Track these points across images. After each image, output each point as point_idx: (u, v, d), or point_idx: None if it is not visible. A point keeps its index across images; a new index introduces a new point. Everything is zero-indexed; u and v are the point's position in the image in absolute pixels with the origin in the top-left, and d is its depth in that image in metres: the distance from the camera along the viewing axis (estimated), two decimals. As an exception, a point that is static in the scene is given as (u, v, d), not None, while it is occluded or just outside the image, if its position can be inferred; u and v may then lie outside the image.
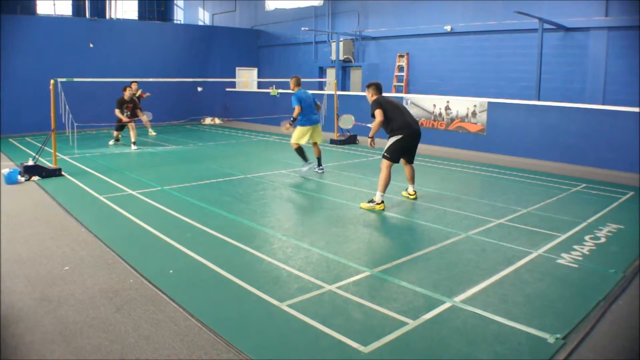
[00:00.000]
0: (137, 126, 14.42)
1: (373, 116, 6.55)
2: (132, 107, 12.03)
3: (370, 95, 6.78)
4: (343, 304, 3.74)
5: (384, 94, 6.82)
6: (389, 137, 6.60)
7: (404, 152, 6.63)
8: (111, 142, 12.58)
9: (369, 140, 6.58)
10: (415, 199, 7.02)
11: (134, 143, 11.96)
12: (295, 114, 8.32)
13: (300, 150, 8.62)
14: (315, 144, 8.80)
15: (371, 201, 6.51)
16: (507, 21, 13.12)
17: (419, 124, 6.79)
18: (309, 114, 8.50)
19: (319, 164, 8.91)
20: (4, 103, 14.68)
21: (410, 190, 7.09)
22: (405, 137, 6.50)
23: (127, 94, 11.94)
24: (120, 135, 12.72)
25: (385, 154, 6.55)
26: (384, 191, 6.48)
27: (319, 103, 8.87)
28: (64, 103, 9.17)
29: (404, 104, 12.90)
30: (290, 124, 8.41)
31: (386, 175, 6.46)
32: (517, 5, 12.10)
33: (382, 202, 6.46)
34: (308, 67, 18.85)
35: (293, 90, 8.66)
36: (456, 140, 12.27)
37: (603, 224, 5.93)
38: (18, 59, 15.10)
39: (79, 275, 4.30)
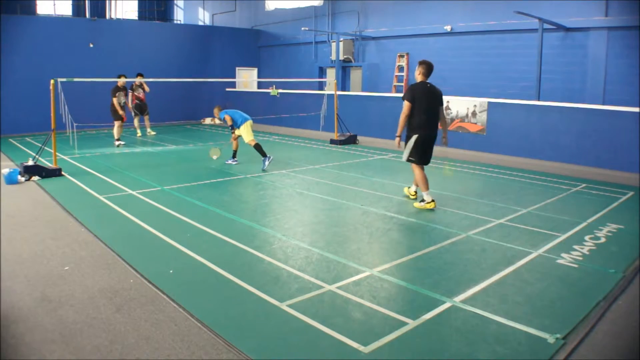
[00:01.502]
0: (132, 126, 14.44)
1: (403, 99, 6.54)
2: (125, 93, 12.33)
3: (416, 74, 6.73)
4: (343, 304, 3.74)
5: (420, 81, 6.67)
6: (407, 135, 6.59)
7: (423, 152, 6.59)
8: (116, 144, 12.12)
9: (397, 139, 6.58)
10: (415, 199, 7.02)
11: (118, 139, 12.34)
12: (229, 122, 9.51)
13: (258, 147, 9.36)
14: (237, 138, 9.83)
15: (422, 201, 6.59)
16: (507, 21, 13.11)
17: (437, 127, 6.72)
18: (240, 114, 9.61)
19: (234, 156, 10.07)
20: (4, 103, 14.67)
21: (412, 189, 7.09)
22: (420, 138, 6.49)
23: (120, 82, 12.13)
24: (121, 130, 12.39)
25: (409, 157, 6.57)
26: (426, 189, 6.53)
27: None
28: (64, 103, 9.15)
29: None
30: (233, 132, 9.64)
31: (419, 174, 6.55)
32: (517, 5, 12.08)
33: (433, 200, 6.51)
34: (308, 67, 18.84)
35: (217, 116, 9.86)
36: (456, 140, 12.24)
37: (603, 224, 5.93)
38: (18, 59, 15.09)
39: (79, 275, 4.30)
